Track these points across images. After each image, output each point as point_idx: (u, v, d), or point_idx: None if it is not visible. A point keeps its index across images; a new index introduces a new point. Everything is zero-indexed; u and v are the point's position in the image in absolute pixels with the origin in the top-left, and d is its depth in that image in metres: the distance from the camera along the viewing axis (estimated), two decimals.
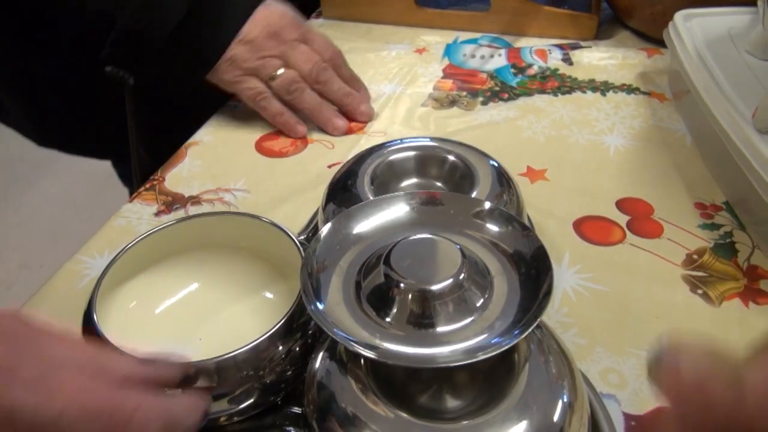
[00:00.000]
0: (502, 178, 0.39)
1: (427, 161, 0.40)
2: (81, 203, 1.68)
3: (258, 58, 0.54)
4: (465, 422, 0.27)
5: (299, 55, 0.55)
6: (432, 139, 0.41)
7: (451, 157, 0.40)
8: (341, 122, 0.56)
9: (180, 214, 0.48)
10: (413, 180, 0.40)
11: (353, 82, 0.59)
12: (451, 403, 0.29)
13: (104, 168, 0.85)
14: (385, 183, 0.39)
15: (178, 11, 0.51)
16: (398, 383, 0.29)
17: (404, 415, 0.27)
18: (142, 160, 0.68)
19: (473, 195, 0.37)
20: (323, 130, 0.57)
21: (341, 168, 0.41)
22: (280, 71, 0.55)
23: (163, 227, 0.37)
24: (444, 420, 0.28)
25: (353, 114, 0.57)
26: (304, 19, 0.58)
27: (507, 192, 0.38)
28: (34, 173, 1.77)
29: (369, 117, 0.58)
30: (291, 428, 0.32)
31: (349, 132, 0.56)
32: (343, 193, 0.39)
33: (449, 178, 0.40)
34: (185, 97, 0.57)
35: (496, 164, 0.40)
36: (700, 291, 0.39)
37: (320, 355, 0.31)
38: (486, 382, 0.29)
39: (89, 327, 0.32)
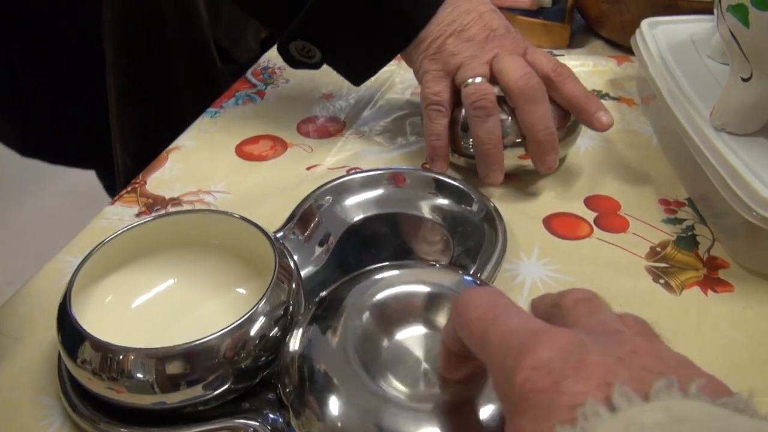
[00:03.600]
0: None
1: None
2: (67, 220, 1.67)
3: (468, 57, 0.46)
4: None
5: (508, 60, 0.46)
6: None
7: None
8: (495, 179, 0.47)
9: (156, 213, 0.49)
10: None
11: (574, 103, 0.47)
12: (431, 381, 0.30)
13: (89, 183, 0.86)
14: None
15: None
16: (374, 364, 0.31)
17: (385, 389, 0.28)
18: (126, 168, 0.69)
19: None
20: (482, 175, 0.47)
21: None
22: (478, 79, 0.46)
23: (139, 224, 0.38)
24: (418, 399, 0.29)
25: (537, 161, 0.47)
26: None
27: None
28: (19, 189, 1.77)
29: (550, 169, 0.47)
30: (268, 412, 0.33)
31: (326, 135, 0.58)
32: None
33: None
34: (170, 103, 0.58)
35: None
36: (662, 281, 0.41)
37: (294, 339, 0.32)
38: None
39: (65, 318, 0.32)
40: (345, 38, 0.50)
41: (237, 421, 0.32)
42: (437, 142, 0.48)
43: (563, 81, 0.46)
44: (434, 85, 0.47)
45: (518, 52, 0.47)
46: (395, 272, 0.34)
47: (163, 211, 0.49)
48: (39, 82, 0.66)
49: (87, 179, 0.83)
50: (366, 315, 0.32)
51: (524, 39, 0.49)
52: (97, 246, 0.36)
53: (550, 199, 0.49)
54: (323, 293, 0.33)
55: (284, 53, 0.52)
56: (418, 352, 0.31)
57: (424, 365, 0.31)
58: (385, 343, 0.31)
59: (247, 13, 0.64)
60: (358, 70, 0.53)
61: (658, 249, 0.44)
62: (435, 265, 0.35)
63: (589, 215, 0.47)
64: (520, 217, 0.47)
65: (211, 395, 0.32)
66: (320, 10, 0.48)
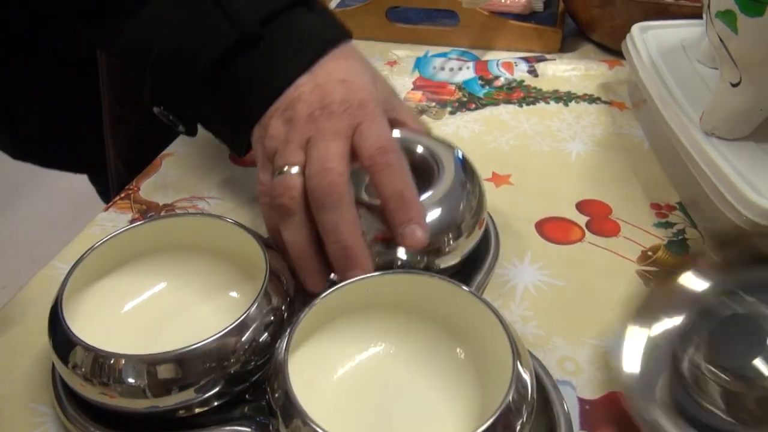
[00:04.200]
0: (466, 168, 0.41)
1: None
2: (61, 223, 1.67)
3: (284, 140, 0.38)
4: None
5: (322, 153, 0.36)
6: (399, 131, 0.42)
7: (419, 148, 0.41)
8: (311, 286, 0.37)
9: (147, 218, 0.49)
10: None
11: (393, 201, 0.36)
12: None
13: (84, 186, 0.85)
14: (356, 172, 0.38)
15: (225, 36, 0.39)
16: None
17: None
18: (119, 173, 0.69)
19: (439, 180, 0.39)
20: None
21: None
22: (294, 170, 0.36)
23: (130, 228, 0.38)
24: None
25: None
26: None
27: (470, 182, 0.40)
28: (11, 194, 1.76)
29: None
30: (261, 419, 0.33)
31: None
32: None
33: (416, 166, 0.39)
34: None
35: (461, 155, 0.42)
36: (653, 284, 0.41)
37: (283, 344, 0.32)
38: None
39: (57, 324, 0.33)
40: (197, 112, 0.44)
41: (230, 427, 0.32)
42: (293, 251, 0.36)
43: (377, 172, 0.36)
44: (261, 175, 0.39)
45: (342, 133, 0.37)
46: (387, 279, 0.34)
47: (152, 216, 0.49)
48: (30, 86, 0.66)
49: (80, 184, 0.83)
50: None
51: (374, 109, 0.38)
52: (88, 250, 0.36)
53: (542, 204, 0.49)
54: (314, 300, 0.33)
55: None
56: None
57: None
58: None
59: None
60: (227, 143, 0.46)
61: (650, 253, 0.44)
62: (431, 274, 0.35)
63: (581, 219, 0.47)
64: (512, 222, 0.47)
65: (202, 398, 0.32)
66: (159, 80, 0.42)
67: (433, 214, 0.37)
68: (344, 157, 0.36)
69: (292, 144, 0.37)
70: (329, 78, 0.39)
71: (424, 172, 0.40)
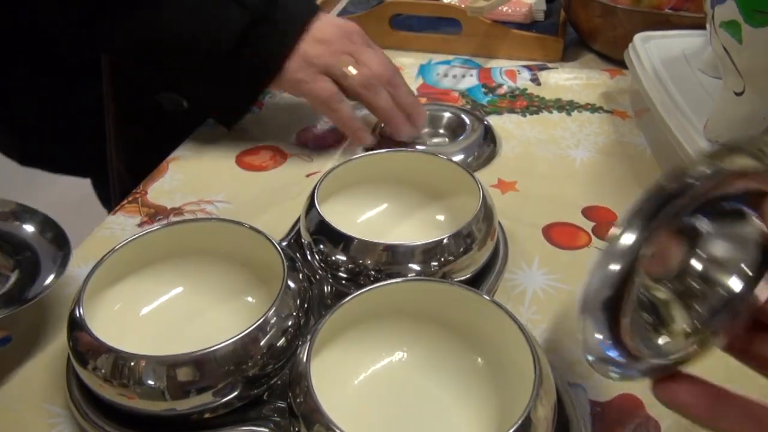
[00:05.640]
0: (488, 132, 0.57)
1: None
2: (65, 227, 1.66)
3: (332, 53, 0.52)
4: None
5: (372, 56, 0.54)
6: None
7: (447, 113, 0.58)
8: (410, 129, 0.55)
9: (164, 223, 0.49)
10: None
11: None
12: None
13: (82, 192, 0.85)
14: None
15: (237, 21, 0.50)
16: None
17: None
18: (121, 178, 0.69)
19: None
20: (389, 136, 0.55)
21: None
22: (353, 70, 0.53)
23: (148, 232, 0.38)
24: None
25: (416, 122, 0.56)
26: None
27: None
28: (13, 196, 1.75)
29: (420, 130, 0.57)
30: (278, 419, 0.33)
31: (326, 145, 0.58)
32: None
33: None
34: (176, 113, 0.58)
35: (486, 122, 0.57)
36: None
37: (305, 349, 0.32)
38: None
39: (76, 325, 0.33)
40: (207, 89, 0.53)
41: (246, 428, 0.33)
42: (355, 123, 0.55)
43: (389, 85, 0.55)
44: (320, 84, 0.53)
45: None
46: (403, 287, 0.35)
47: (169, 220, 0.50)
48: (38, 94, 0.66)
49: (81, 188, 0.83)
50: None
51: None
52: (107, 254, 0.36)
53: (548, 210, 0.50)
54: (334, 308, 0.34)
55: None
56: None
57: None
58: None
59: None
60: (225, 117, 0.57)
61: None
62: (449, 282, 0.35)
63: (587, 225, 0.48)
64: (520, 228, 0.48)
65: (220, 402, 0.32)
66: (179, 65, 0.51)
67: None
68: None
69: (344, 54, 0.53)
70: (330, 20, 0.54)
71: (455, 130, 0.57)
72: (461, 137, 0.56)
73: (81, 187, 0.84)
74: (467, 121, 0.57)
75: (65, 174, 0.76)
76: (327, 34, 0.53)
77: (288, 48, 0.51)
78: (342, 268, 0.39)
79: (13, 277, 0.38)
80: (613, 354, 0.23)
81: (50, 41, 0.63)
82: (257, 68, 0.52)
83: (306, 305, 0.35)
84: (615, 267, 0.22)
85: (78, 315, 0.32)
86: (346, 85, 0.53)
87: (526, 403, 0.27)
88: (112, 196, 0.75)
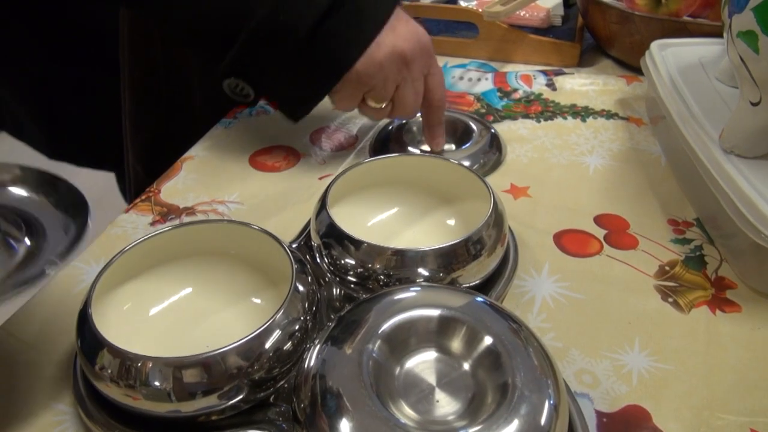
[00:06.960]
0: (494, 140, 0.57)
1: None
2: None
3: (380, 78, 0.50)
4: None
5: (409, 94, 0.52)
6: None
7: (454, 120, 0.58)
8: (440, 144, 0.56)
9: (175, 223, 0.50)
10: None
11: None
12: (443, 407, 0.31)
13: (103, 185, 0.86)
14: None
15: (317, 5, 0.46)
16: (393, 381, 0.31)
17: (396, 414, 0.29)
18: (137, 175, 0.70)
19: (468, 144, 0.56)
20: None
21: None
22: (383, 105, 0.52)
23: (158, 233, 0.38)
24: (436, 423, 0.30)
25: (430, 144, 0.56)
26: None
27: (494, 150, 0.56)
28: None
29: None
30: (281, 423, 0.33)
31: (339, 147, 0.59)
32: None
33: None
34: (183, 112, 0.59)
35: (493, 130, 0.58)
36: (670, 299, 0.42)
37: (311, 356, 0.32)
38: (476, 383, 0.31)
39: (85, 325, 0.33)
40: (277, 77, 0.49)
41: (251, 431, 0.33)
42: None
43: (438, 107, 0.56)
44: (377, 98, 0.53)
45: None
46: (412, 295, 0.35)
47: (179, 221, 0.50)
48: (67, 90, 0.67)
49: (100, 182, 0.84)
50: (381, 339, 0.32)
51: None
52: (116, 254, 0.36)
53: (560, 216, 0.49)
54: (342, 312, 0.34)
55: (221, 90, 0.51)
56: (431, 378, 0.32)
57: (437, 391, 0.31)
58: (399, 368, 0.32)
59: (183, 45, 0.63)
60: (292, 108, 0.53)
61: (667, 268, 0.44)
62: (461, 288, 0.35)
63: (599, 233, 0.48)
64: (531, 234, 0.47)
65: (225, 405, 0.32)
66: (251, 49, 0.47)
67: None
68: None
69: (390, 82, 0.51)
70: (408, 25, 0.51)
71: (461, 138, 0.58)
72: (467, 144, 0.56)
73: (106, 180, 0.85)
74: (474, 128, 0.58)
75: (91, 168, 0.77)
76: (401, 44, 0.49)
77: (359, 48, 0.48)
78: (351, 272, 0.39)
79: (22, 251, 0.38)
80: None
81: (84, 40, 0.64)
82: (335, 58, 0.48)
83: (314, 308, 0.36)
84: None
85: (87, 314, 0.33)
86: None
87: None
88: (127, 193, 0.76)
